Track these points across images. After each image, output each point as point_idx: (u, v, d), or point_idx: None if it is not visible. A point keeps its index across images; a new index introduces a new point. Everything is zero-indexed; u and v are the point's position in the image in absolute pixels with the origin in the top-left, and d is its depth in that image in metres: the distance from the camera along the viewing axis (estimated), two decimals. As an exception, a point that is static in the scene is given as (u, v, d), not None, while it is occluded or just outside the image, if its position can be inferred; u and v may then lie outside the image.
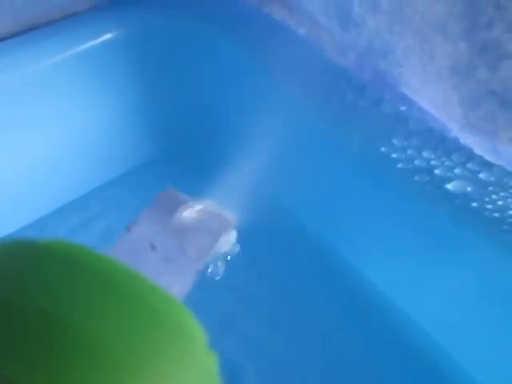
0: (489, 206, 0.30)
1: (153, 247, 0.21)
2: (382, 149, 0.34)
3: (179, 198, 0.24)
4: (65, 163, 0.46)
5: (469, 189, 0.31)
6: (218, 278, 0.28)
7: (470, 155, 0.32)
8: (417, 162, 0.33)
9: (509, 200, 0.30)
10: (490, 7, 0.26)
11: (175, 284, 0.20)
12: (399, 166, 0.33)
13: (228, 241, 0.24)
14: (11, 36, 0.41)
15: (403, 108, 0.36)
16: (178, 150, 0.52)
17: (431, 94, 0.32)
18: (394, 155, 0.33)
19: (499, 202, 0.30)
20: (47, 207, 0.47)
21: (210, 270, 0.27)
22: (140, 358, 0.13)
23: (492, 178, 0.31)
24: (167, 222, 0.22)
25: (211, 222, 0.23)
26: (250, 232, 0.44)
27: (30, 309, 0.13)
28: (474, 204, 0.30)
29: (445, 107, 0.32)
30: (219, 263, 0.26)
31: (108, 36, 0.43)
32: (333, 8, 0.37)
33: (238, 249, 0.43)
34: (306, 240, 0.43)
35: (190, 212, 0.23)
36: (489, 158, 0.32)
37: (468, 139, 0.32)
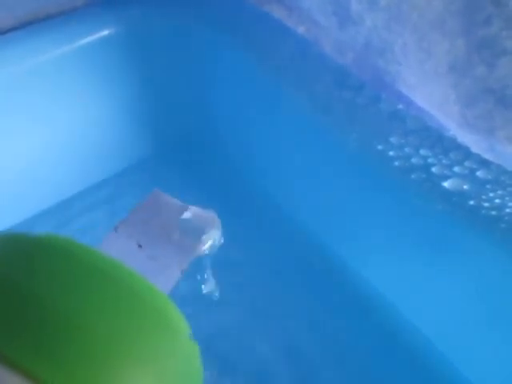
0: (486, 205, 0.30)
1: (139, 246, 0.22)
2: (380, 147, 0.34)
3: (165, 199, 0.25)
4: (60, 161, 0.46)
5: (466, 187, 0.31)
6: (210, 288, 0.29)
7: (467, 153, 0.32)
8: (414, 160, 0.33)
9: (506, 198, 0.30)
10: (487, 4, 0.26)
11: (160, 280, 0.21)
12: (396, 163, 0.33)
13: (213, 240, 0.25)
14: (9, 31, 0.41)
15: (401, 106, 0.36)
16: (174, 149, 0.52)
17: (429, 91, 0.32)
18: (391, 153, 0.33)
19: (496, 200, 0.30)
20: (43, 206, 0.47)
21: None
22: (126, 343, 0.13)
23: (489, 176, 0.31)
24: (154, 222, 0.24)
25: (195, 222, 0.25)
26: (247, 232, 0.44)
27: (29, 293, 0.13)
28: (471, 202, 0.30)
29: (442, 105, 0.32)
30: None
31: (105, 32, 0.43)
32: (331, 6, 0.37)
33: (234, 249, 0.43)
34: (304, 240, 0.43)
35: (176, 213, 0.24)
36: (486, 156, 0.32)
37: (465, 138, 0.32)
